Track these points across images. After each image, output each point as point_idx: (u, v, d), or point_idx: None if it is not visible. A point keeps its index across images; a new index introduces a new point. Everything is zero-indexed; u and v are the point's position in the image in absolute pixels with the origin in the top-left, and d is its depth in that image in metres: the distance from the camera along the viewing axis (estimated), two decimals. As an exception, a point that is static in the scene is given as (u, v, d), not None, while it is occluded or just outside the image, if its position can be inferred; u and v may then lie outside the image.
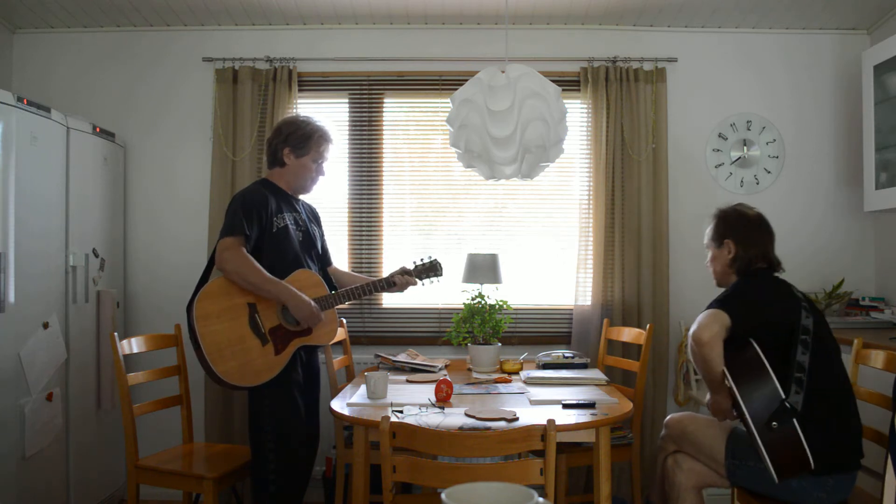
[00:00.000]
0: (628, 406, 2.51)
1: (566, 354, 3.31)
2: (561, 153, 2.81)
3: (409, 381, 3.00)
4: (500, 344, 3.31)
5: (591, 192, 3.75)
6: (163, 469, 2.74)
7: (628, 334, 3.41)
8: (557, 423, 1.90)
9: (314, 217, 3.05)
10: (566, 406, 2.51)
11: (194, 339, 2.56)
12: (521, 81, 2.63)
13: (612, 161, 3.75)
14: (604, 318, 3.63)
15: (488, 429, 2.18)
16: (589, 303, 3.74)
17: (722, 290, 2.49)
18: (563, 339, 3.84)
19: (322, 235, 3.05)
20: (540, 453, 1.88)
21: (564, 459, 3.01)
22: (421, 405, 2.52)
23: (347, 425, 3.01)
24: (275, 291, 2.64)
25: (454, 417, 2.36)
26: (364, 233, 3.92)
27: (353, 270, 3.78)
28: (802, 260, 3.81)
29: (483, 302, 3.36)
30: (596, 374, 3.09)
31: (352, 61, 3.88)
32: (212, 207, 3.75)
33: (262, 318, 2.66)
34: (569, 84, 3.82)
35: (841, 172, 3.89)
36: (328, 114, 3.91)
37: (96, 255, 3.48)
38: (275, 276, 2.65)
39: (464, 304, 3.40)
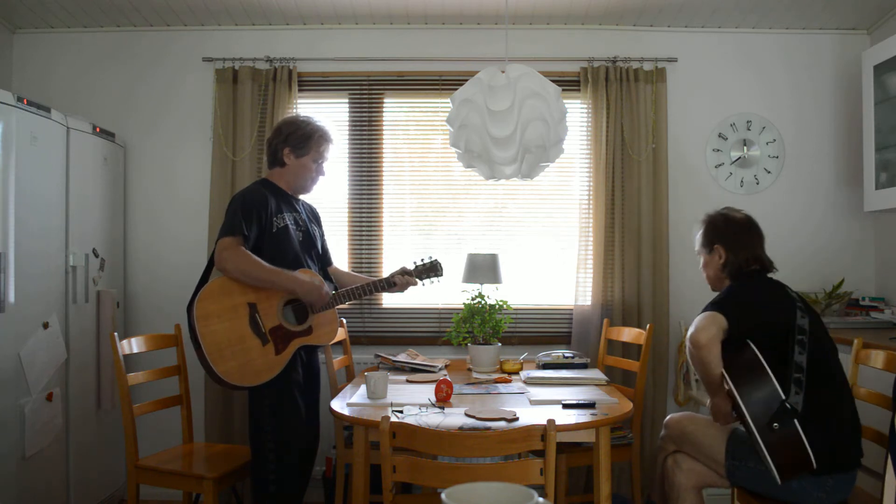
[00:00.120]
0: (628, 406, 2.51)
1: (566, 354, 3.31)
2: (561, 153, 2.81)
3: (409, 381, 3.00)
4: (500, 344, 3.31)
5: (591, 192, 3.75)
6: (163, 469, 2.74)
7: (628, 334, 3.41)
8: (557, 423, 1.90)
9: (314, 217, 3.05)
10: (566, 406, 2.51)
11: (195, 339, 2.56)
12: (521, 81, 2.63)
13: (612, 161, 3.75)
14: (604, 318, 3.63)
15: (488, 429, 2.18)
16: (589, 303, 3.74)
17: (717, 293, 2.49)
18: (563, 339, 3.84)
19: (322, 235, 3.05)
20: (540, 453, 1.88)
21: (564, 459, 3.01)
22: (421, 405, 2.52)
23: (347, 425, 3.01)
24: (279, 281, 2.65)
25: (454, 417, 2.36)
26: (364, 233, 3.92)
27: (353, 270, 3.78)
28: (802, 260, 3.82)
29: (483, 302, 3.36)
30: (596, 374, 3.09)
31: (352, 61, 3.88)
32: (212, 207, 3.75)
33: (263, 318, 2.66)
34: (569, 84, 3.82)
35: (841, 172, 3.89)
36: (328, 114, 3.91)
37: (96, 255, 3.48)
38: (275, 275, 2.66)
39: (464, 304, 3.40)
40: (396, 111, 3.99)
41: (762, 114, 3.89)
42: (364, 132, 3.93)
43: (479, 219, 3.96)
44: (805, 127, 3.90)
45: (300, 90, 3.86)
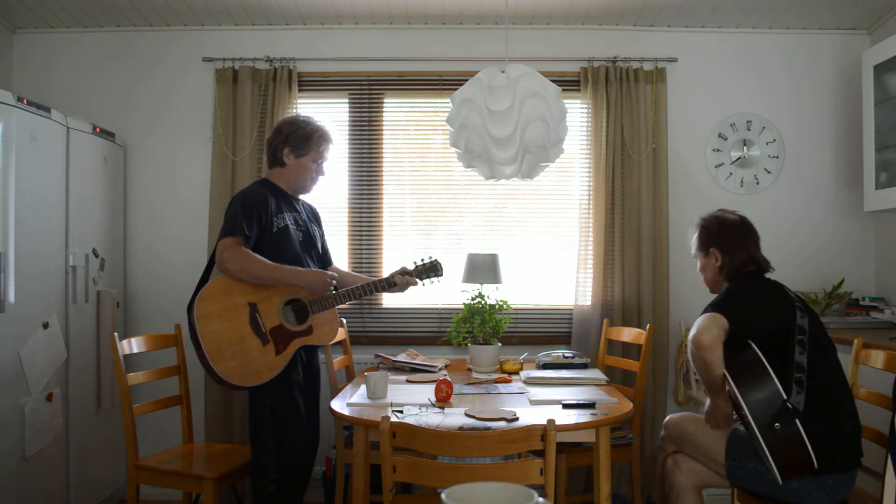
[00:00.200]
0: (628, 406, 2.51)
1: (566, 354, 3.31)
2: (561, 153, 2.81)
3: (409, 381, 3.00)
4: (500, 344, 3.31)
5: (591, 192, 3.75)
6: (163, 469, 2.74)
7: (628, 334, 3.41)
8: (557, 423, 1.90)
9: (314, 217, 3.05)
10: (566, 406, 2.51)
11: (195, 339, 2.56)
12: (521, 81, 2.63)
13: (612, 161, 3.75)
14: (604, 318, 3.63)
15: (488, 429, 2.18)
16: (589, 303, 3.74)
17: (715, 294, 2.49)
18: (563, 339, 3.84)
19: (322, 235, 3.05)
20: (540, 453, 1.88)
21: (564, 459, 3.01)
22: (421, 405, 2.52)
23: (347, 425, 3.01)
24: (281, 277, 2.65)
25: (454, 417, 2.36)
26: (364, 233, 3.92)
27: (353, 270, 3.78)
28: (802, 260, 3.82)
29: (483, 302, 3.36)
30: (596, 374, 3.09)
31: (352, 61, 3.88)
32: (212, 207, 3.74)
33: (263, 318, 2.66)
34: (569, 84, 3.82)
35: (841, 172, 3.89)
36: (328, 114, 3.91)
37: (96, 255, 3.48)
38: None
39: (464, 304, 3.40)
40: (396, 111, 3.99)
41: (762, 114, 3.89)
42: (364, 132, 3.93)
43: (479, 219, 3.96)
44: (805, 127, 3.90)
45: (300, 90, 3.86)
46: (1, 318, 2.82)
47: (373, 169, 3.92)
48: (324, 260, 3.03)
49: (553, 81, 2.74)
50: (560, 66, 3.83)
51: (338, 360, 3.39)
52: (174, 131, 3.91)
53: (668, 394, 3.74)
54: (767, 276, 2.47)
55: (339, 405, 2.54)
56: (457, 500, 1.17)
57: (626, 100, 3.77)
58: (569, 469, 3.29)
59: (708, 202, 3.70)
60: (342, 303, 2.86)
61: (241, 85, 3.77)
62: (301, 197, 2.98)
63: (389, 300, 3.92)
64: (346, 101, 3.94)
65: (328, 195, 3.83)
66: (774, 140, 3.88)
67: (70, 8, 3.66)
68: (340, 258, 3.85)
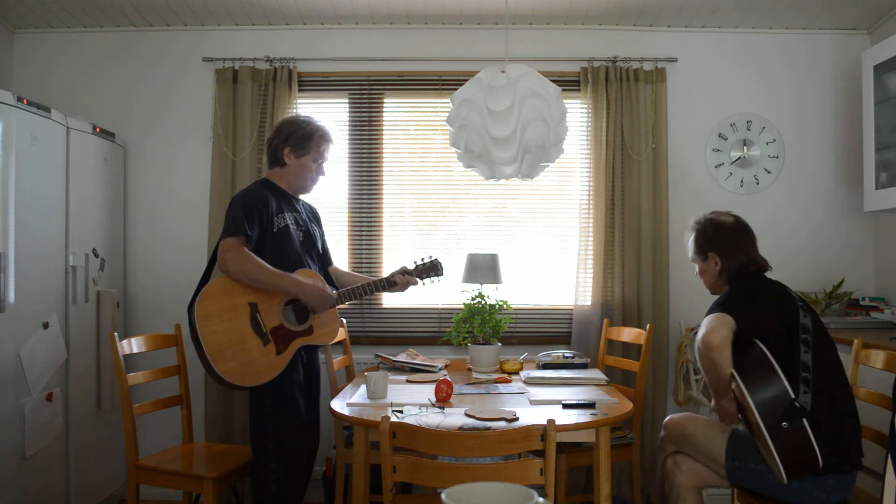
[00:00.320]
0: (628, 406, 2.51)
1: (566, 354, 3.31)
2: (561, 153, 2.81)
3: (409, 381, 3.00)
4: (500, 344, 3.31)
5: (591, 192, 3.75)
6: (163, 469, 2.74)
7: (628, 334, 3.41)
8: (557, 423, 1.90)
9: (314, 217, 3.05)
10: (566, 406, 2.51)
11: (196, 339, 2.56)
12: (521, 81, 2.63)
13: (612, 161, 3.75)
14: (604, 318, 3.63)
15: (488, 429, 2.18)
16: (589, 303, 3.74)
17: (716, 296, 2.48)
18: (563, 339, 3.84)
19: (322, 235, 3.05)
20: (540, 453, 1.88)
21: (564, 459, 3.01)
22: (421, 405, 2.52)
23: (347, 425, 3.01)
24: (281, 284, 2.65)
25: (454, 417, 2.36)
26: (364, 233, 3.92)
27: (353, 270, 3.78)
28: (802, 260, 3.82)
29: (483, 302, 3.36)
30: (596, 374, 3.09)
31: (352, 61, 3.88)
32: (212, 207, 3.74)
33: (264, 318, 2.66)
34: (569, 84, 3.82)
35: (841, 172, 3.89)
36: (328, 114, 3.91)
37: (96, 255, 3.48)
38: (275, 276, 2.65)
39: (464, 304, 3.40)
40: (396, 111, 3.99)
41: (762, 114, 3.89)
42: (364, 132, 3.93)
43: (479, 219, 3.96)
44: (805, 127, 3.90)
45: (300, 90, 3.86)
46: (1, 318, 2.82)
47: (373, 169, 3.92)
48: (324, 260, 3.03)
49: (553, 81, 2.74)
50: (560, 66, 3.83)
51: (338, 360, 3.39)
52: (174, 131, 3.91)
53: (668, 394, 3.74)
54: (767, 276, 2.47)
55: (339, 405, 2.54)
56: (457, 500, 1.17)
57: (626, 100, 3.77)
58: (569, 469, 3.29)
59: (708, 202, 3.70)
60: (342, 303, 2.86)
61: (241, 85, 3.78)
62: (301, 197, 2.98)
63: (389, 300, 3.92)
64: (346, 101, 3.94)
65: (328, 195, 3.83)
66: (774, 140, 3.88)
67: (70, 8, 3.66)
68: (340, 258, 3.85)
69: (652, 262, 3.72)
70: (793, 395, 2.09)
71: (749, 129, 3.88)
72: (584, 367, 3.26)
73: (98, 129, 3.52)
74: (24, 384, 2.91)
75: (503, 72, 2.67)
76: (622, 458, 3.13)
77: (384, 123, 3.94)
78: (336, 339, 2.98)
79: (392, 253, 3.93)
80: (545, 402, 2.60)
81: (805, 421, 2.07)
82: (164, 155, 3.91)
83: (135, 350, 2.89)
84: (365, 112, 3.93)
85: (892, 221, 3.70)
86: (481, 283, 3.47)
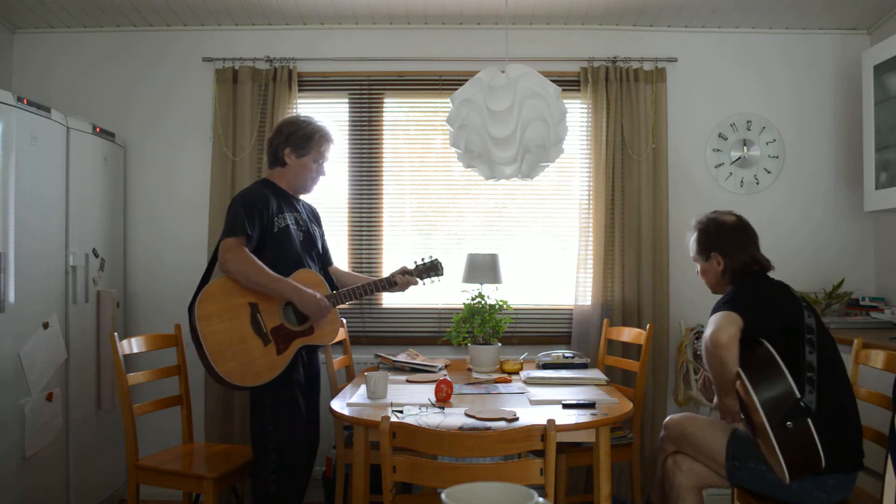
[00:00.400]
0: (628, 406, 2.51)
1: (566, 354, 3.31)
2: (561, 153, 2.81)
3: (409, 381, 3.00)
4: (500, 344, 3.31)
5: (591, 192, 3.75)
6: (163, 469, 2.74)
7: (628, 334, 3.41)
8: (557, 423, 1.90)
9: (315, 217, 3.05)
10: (566, 406, 2.51)
11: (196, 339, 2.56)
12: (521, 81, 2.63)
13: (612, 161, 3.75)
14: (604, 318, 3.63)
15: (488, 429, 2.18)
16: (589, 303, 3.74)
17: (720, 295, 2.48)
18: (563, 339, 3.84)
19: (322, 235, 3.05)
20: (540, 453, 1.88)
21: (564, 459, 3.01)
22: (421, 405, 2.52)
23: (347, 425, 3.01)
24: (280, 289, 2.64)
25: (454, 417, 2.36)
26: (364, 233, 3.92)
27: (353, 270, 3.78)
28: (802, 260, 3.82)
29: (483, 302, 3.36)
30: (596, 374, 3.09)
31: (352, 61, 3.88)
32: (212, 207, 3.74)
33: (264, 318, 2.66)
34: (569, 84, 3.82)
35: (841, 172, 3.89)
36: (328, 114, 3.91)
37: (96, 255, 3.48)
38: (275, 276, 2.65)
39: (464, 304, 3.40)
40: (396, 111, 3.99)
41: (762, 114, 3.89)
42: (364, 132, 3.93)
43: (479, 219, 3.96)
44: (805, 127, 3.90)
45: (300, 90, 3.86)
46: (1, 318, 2.82)
47: (373, 169, 3.92)
48: (324, 260, 3.03)
49: (553, 81, 2.74)
50: (560, 66, 3.83)
51: (338, 360, 3.39)
52: (174, 131, 3.91)
53: (668, 394, 3.74)
54: (770, 276, 2.47)
55: (339, 405, 2.54)
56: (457, 500, 1.17)
57: (626, 100, 3.77)
58: (569, 469, 3.29)
59: (708, 202, 3.70)
60: (343, 303, 2.86)
61: (241, 85, 3.78)
62: (301, 197, 2.98)
63: (389, 300, 3.92)
64: (346, 101, 3.94)
65: (328, 195, 3.83)
66: (774, 140, 3.88)
67: (70, 8, 3.66)
68: (340, 258, 3.85)
69: (652, 262, 3.72)
70: (798, 395, 2.08)
71: (749, 129, 3.88)
72: (584, 367, 3.26)
73: (98, 129, 3.52)
74: (24, 384, 2.91)
75: (503, 72, 2.67)
76: (622, 458, 3.13)
77: (384, 123, 3.94)
78: (336, 339, 2.98)
79: (392, 253, 3.93)
80: (545, 402, 2.60)
81: (809, 421, 2.07)
82: (164, 155, 3.91)
83: (135, 350, 2.89)
84: (365, 112, 3.93)
85: (892, 221, 3.70)
86: (481, 283, 3.47)
